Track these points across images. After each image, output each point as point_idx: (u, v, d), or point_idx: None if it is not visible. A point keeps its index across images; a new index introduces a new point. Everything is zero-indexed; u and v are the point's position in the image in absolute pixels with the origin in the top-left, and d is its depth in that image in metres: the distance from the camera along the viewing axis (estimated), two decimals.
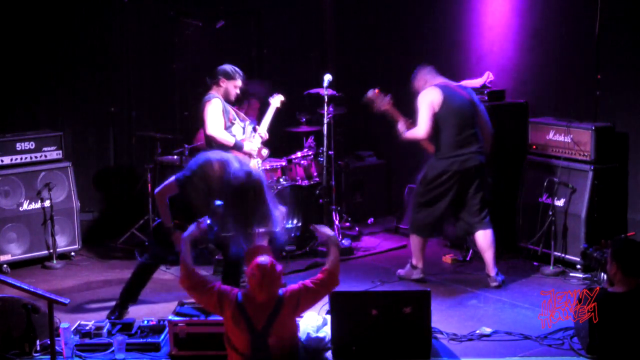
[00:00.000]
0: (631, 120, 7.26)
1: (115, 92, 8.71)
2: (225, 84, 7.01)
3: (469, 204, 6.88)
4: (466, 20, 8.55)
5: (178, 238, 5.55)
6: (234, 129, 7.00)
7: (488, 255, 6.90)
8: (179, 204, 5.86)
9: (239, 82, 7.02)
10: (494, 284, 6.84)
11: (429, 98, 6.74)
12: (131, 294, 6.27)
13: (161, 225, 5.98)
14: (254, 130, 7.11)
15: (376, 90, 6.76)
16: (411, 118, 6.79)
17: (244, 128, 7.08)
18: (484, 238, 6.89)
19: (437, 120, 6.73)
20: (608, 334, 5.16)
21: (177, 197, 5.85)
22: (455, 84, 6.95)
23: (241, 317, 4.77)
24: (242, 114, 7.24)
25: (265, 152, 7.07)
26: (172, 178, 5.87)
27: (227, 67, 7.02)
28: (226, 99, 7.00)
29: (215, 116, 6.84)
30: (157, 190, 5.96)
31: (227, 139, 6.88)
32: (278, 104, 7.24)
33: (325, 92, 6.38)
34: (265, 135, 7.11)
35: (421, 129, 6.73)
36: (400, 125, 6.84)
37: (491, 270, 6.90)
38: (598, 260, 6.54)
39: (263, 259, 4.78)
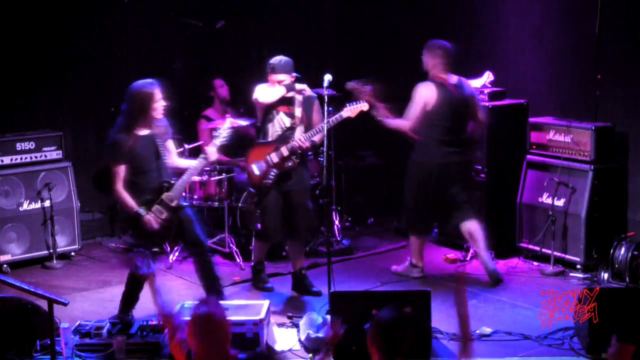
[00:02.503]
0: (631, 120, 7.26)
1: (115, 92, 8.69)
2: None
3: (455, 201, 6.92)
4: (466, 20, 8.55)
5: (149, 219, 5.82)
6: None
7: (480, 246, 6.92)
8: (132, 186, 5.92)
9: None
10: (497, 276, 6.87)
11: (425, 95, 6.77)
12: (129, 302, 6.20)
13: (130, 216, 5.96)
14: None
15: (356, 82, 6.75)
16: (395, 104, 6.84)
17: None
18: (472, 229, 6.91)
19: (426, 117, 6.78)
20: None
21: (128, 180, 5.91)
22: (455, 79, 6.92)
23: None
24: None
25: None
26: (111, 167, 5.93)
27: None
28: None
29: None
30: (114, 188, 5.93)
31: None
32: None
33: (325, 92, 6.37)
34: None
35: (408, 123, 6.80)
36: (380, 113, 6.81)
37: (488, 262, 6.91)
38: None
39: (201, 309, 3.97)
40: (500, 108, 7.62)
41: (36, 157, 7.66)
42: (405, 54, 9.23)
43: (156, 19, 8.92)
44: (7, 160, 7.51)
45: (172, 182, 6.02)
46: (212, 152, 6.16)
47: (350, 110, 6.46)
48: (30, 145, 7.64)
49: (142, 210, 5.88)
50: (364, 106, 6.45)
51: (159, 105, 5.97)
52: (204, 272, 6.23)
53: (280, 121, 6.58)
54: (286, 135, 6.54)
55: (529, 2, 7.98)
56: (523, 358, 5.54)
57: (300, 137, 6.49)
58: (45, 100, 8.34)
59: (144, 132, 5.95)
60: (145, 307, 6.50)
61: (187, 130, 8.78)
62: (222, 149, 8.11)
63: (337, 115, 6.47)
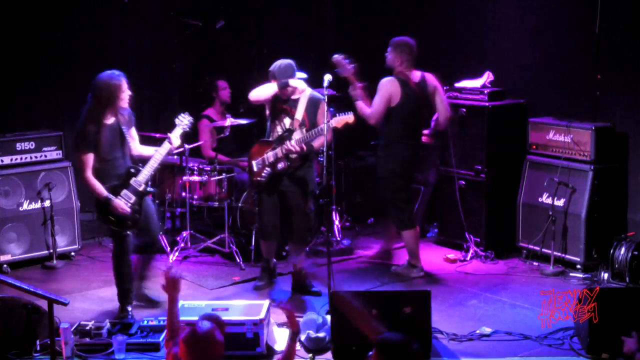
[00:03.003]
0: (631, 120, 7.26)
1: None
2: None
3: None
4: (466, 20, 8.55)
5: (119, 203, 6.05)
6: None
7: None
8: (99, 173, 6.10)
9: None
10: (420, 274, 7.12)
11: (391, 91, 6.90)
12: (125, 290, 6.31)
13: (99, 202, 6.12)
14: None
15: (342, 57, 6.81)
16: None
17: None
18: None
19: (391, 113, 6.92)
20: None
21: (96, 168, 6.10)
22: (418, 75, 7.00)
23: None
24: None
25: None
26: (80, 155, 6.13)
27: None
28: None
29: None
30: (83, 175, 6.10)
31: None
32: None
33: (325, 92, 6.37)
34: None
35: (373, 116, 6.93)
36: (355, 92, 6.91)
37: (418, 260, 7.16)
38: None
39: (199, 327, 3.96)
40: (500, 108, 7.62)
41: (36, 157, 7.66)
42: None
43: (156, 19, 8.92)
44: (7, 160, 7.51)
45: (139, 167, 6.24)
46: (175, 138, 6.36)
47: (335, 122, 6.37)
48: (30, 145, 7.64)
49: (111, 196, 6.07)
50: (349, 118, 6.39)
51: (125, 95, 6.19)
52: (142, 264, 6.50)
53: (282, 122, 6.60)
54: (284, 136, 6.56)
55: (529, 2, 7.98)
56: (523, 358, 5.54)
57: (292, 141, 6.48)
58: (45, 100, 8.34)
59: (110, 120, 6.17)
60: (145, 307, 6.52)
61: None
62: (223, 149, 8.16)
63: (323, 126, 6.35)
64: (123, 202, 6.09)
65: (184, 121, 6.47)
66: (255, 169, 6.65)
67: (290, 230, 6.77)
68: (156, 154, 6.29)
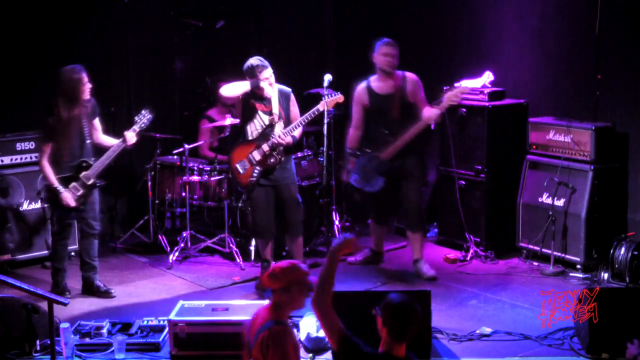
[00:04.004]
0: (631, 120, 7.26)
1: (115, 92, 8.71)
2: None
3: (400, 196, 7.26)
4: (466, 20, 8.55)
5: (66, 196, 6.50)
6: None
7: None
8: (55, 162, 6.56)
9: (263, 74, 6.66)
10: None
11: (359, 97, 7.11)
12: (57, 269, 6.82)
13: (49, 189, 6.58)
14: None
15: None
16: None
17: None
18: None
19: (367, 116, 7.09)
20: None
21: (52, 157, 6.57)
22: (400, 76, 7.07)
23: None
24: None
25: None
26: (40, 144, 6.69)
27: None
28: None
29: None
30: (40, 162, 6.59)
31: None
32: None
33: (325, 92, 6.39)
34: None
35: (353, 121, 7.19)
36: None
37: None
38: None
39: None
40: (500, 108, 7.62)
41: (36, 157, 7.61)
42: (405, 54, 9.23)
43: (156, 19, 8.92)
44: (7, 160, 7.51)
45: (91, 162, 6.64)
46: (130, 137, 6.69)
47: (326, 103, 6.60)
48: (30, 145, 7.63)
49: (60, 187, 6.51)
50: (339, 98, 6.65)
51: (86, 87, 6.60)
52: (86, 251, 6.83)
53: (259, 119, 6.71)
54: (266, 132, 6.68)
55: (529, 2, 7.98)
56: (523, 358, 5.54)
57: (280, 133, 6.64)
58: (45, 100, 8.31)
59: (71, 113, 6.56)
60: (145, 307, 6.52)
61: (187, 130, 8.79)
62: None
63: (313, 109, 6.63)
64: (70, 195, 6.53)
65: (142, 119, 6.78)
66: (241, 171, 6.74)
67: (285, 223, 6.88)
68: (109, 151, 6.68)
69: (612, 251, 6.78)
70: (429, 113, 6.93)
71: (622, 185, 7.29)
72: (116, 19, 8.62)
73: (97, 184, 6.72)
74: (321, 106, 6.61)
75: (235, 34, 9.41)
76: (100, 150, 6.82)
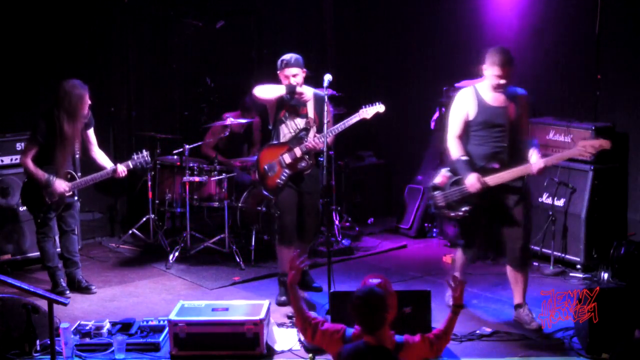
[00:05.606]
0: (631, 120, 7.26)
1: (115, 92, 8.71)
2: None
3: None
4: (466, 20, 8.55)
5: (59, 184, 6.59)
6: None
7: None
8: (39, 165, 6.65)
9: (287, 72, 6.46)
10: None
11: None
12: (51, 268, 6.89)
13: (27, 186, 6.74)
14: None
15: None
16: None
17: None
18: None
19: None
20: None
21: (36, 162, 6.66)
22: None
23: None
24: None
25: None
26: (27, 142, 6.79)
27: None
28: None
29: None
30: (22, 158, 6.72)
31: None
32: None
33: (325, 92, 6.37)
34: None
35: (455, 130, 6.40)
36: None
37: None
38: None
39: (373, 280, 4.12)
40: None
41: None
42: (405, 54, 9.25)
43: (156, 19, 8.92)
44: (7, 160, 7.51)
45: (76, 176, 6.76)
46: (121, 170, 6.80)
47: (366, 112, 6.41)
48: None
49: (52, 177, 6.59)
50: (380, 108, 6.41)
51: (85, 105, 6.68)
52: (66, 248, 6.92)
53: (293, 122, 6.52)
54: (300, 136, 6.49)
55: (529, 2, 7.98)
56: (523, 358, 5.53)
57: (314, 138, 6.44)
58: (45, 100, 8.32)
59: (68, 126, 6.60)
60: (145, 307, 6.52)
61: (187, 130, 8.79)
62: (225, 151, 8.15)
63: (351, 117, 6.40)
64: (64, 183, 6.62)
65: (140, 159, 6.83)
66: (269, 173, 6.51)
67: (304, 231, 6.63)
68: (96, 174, 6.77)
69: (612, 251, 6.78)
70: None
71: (622, 185, 7.29)
72: (116, 19, 8.62)
73: (73, 200, 6.82)
74: (360, 115, 6.39)
75: (235, 34, 9.40)
76: (89, 164, 6.89)
